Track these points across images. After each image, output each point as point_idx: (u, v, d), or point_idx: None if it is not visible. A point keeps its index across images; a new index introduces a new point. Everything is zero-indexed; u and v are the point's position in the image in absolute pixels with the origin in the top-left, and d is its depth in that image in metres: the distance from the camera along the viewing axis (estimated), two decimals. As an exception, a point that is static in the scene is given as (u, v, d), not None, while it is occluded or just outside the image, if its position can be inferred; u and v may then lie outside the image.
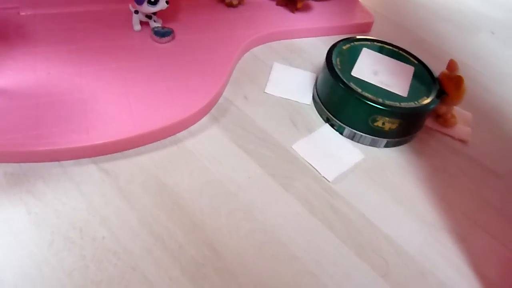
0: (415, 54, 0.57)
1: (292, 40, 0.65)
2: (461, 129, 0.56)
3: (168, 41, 0.55)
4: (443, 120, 0.55)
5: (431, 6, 0.83)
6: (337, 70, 0.51)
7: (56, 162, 0.42)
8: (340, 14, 0.69)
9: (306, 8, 0.68)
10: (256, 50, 0.61)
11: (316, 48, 0.64)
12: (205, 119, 0.50)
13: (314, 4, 0.69)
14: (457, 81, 0.52)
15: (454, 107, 0.55)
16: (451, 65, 0.53)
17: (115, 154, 0.44)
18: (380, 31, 0.71)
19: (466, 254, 0.42)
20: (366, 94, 0.48)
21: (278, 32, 0.63)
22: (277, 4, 0.67)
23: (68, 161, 0.42)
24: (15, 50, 0.50)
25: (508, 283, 0.41)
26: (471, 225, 0.45)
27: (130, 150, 0.45)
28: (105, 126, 0.44)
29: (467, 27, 0.79)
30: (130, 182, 0.42)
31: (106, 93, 0.47)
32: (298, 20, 0.66)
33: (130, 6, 0.54)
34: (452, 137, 0.55)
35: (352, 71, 0.51)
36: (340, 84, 0.49)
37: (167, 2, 0.53)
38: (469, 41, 0.75)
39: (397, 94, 0.50)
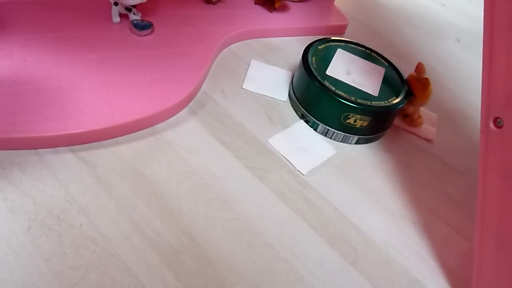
0: (386, 57, 0.60)
1: (269, 38, 0.67)
2: (427, 129, 0.59)
3: (147, 34, 0.56)
4: (411, 119, 0.58)
5: (403, 13, 0.87)
6: (312, 68, 0.53)
7: (33, 150, 0.42)
8: (316, 16, 0.71)
9: (283, 8, 0.70)
10: (234, 47, 0.63)
11: (293, 47, 0.66)
12: (183, 112, 0.51)
13: (291, 4, 0.71)
14: (424, 83, 0.55)
15: (421, 108, 0.59)
16: (419, 68, 0.56)
17: (93, 143, 0.44)
18: (353, 33, 0.74)
19: (429, 244, 0.45)
20: (340, 93, 0.51)
21: (256, 30, 0.65)
22: (256, 3, 0.68)
23: (45, 149, 0.42)
24: (-10, 37, 0.49)
25: (466, 271, 0.44)
26: (433, 217, 0.48)
27: (108, 140, 0.45)
28: (83, 115, 0.44)
29: (435, 34, 0.84)
30: (108, 171, 0.42)
31: (84, 82, 0.47)
32: (275, 19, 0.67)
33: (110, -2, 0.54)
34: (418, 136, 0.58)
35: (327, 70, 0.54)
36: (315, 82, 0.51)
37: None
38: (436, 47, 0.79)
39: (369, 94, 0.52)
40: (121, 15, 0.56)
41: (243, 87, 0.56)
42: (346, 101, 0.50)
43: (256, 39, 0.65)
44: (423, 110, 0.60)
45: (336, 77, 0.53)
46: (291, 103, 0.56)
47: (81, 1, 0.57)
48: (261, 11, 0.68)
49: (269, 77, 0.59)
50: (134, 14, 0.56)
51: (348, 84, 0.53)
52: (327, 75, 0.53)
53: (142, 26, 0.55)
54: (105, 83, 0.48)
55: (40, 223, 0.37)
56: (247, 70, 0.59)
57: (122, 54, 0.52)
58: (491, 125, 0.36)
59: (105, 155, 0.44)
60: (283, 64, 0.62)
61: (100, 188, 0.41)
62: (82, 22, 0.54)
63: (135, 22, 0.55)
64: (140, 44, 0.54)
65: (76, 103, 0.45)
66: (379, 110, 0.51)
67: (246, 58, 0.61)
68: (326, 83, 0.51)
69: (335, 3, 0.76)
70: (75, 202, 0.39)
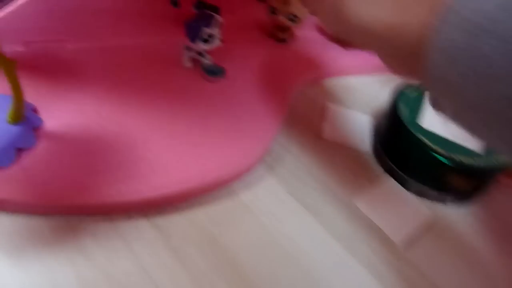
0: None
1: (345, 78, 0.61)
2: (534, 184, 0.51)
3: (219, 80, 0.52)
4: (514, 173, 0.51)
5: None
6: (403, 118, 0.47)
7: (105, 216, 0.39)
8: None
9: (359, 44, 0.64)
10: (307, 88, 0.58)
11: (371, 88, 0.61)
12: (260, 168, 0.46)
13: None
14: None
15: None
16: None
17: (167, 207, 0.41)
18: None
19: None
20: (438, 148, 0.44)
21: (331, 69, 0.60)
22: (331, 40, 0.63)
23: (117, 215, 0.39)
24: (62, 88, 0.47)
25: None
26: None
27: (183, 203, 0.41)
28: (157, 176, 0.41)
29: None
30: (184, 242, 0.38)
31: (157, 138, 0.44)
32: (350, 56, 0.62)
33: (181, 42, 0.51)
34: (524, 194, 0.51)
35: (420, 120, 0.47)
36: (408, 135, 0.46)
37: (221, 40, 0.50)
38: None
39: (470, 149, 0.45)
40: (192, 59, 0.53)
41: (323, 136, 0.51)
42: (445, 158, 0.44)
43: (330, 79, 0.60)
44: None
45: (432, 130, 0.47)
46: (376, 155, 0.50)
47: (151, 44, 0.55)
48: (334, 47, 0.63)
49: (349, 124, 0.54)
50: (205, 58, 0.52)
51: (446, 138, 0.46)
52: (421, 127, 0.47)
53: (215, 72, 0.52)
54: (179, 138, 0.44)
55: (115, 307, 0.33)
56: (324, 116, 0.54)
57: (194, 104, 0.49)
58: None
59: (180, 222, 0.40)
60: (363, 107, 0.57)
61: (176, 261, 0.37)
62: (153, 68, 0.52)
63: (206, 67, 0.52)
64: (212, 91, 0.51)
65: (149, 163, 0.41)
66: (484, 169, 0.44)
67: (321, 102, 0.56)
68: (421, 137, 0.45)
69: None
70: (151, 279, 0.35)
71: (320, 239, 0.41)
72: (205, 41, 0.49)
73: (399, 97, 0.50)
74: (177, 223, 0.40)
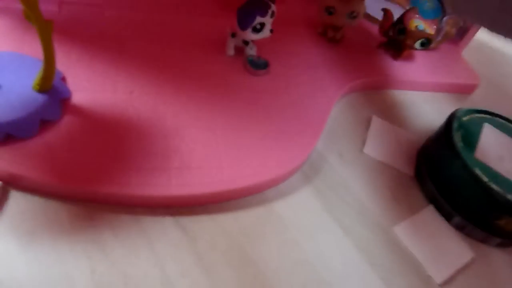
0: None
1: (391, 91, 0.57)
2: None
3: (263, 74, 0.48)
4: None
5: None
6: (458, 148, 0.43)
7: (128, 208, 0.35)
8: (444, 70, 0.61)
9: (409, 56, 0.60)
10: (352, 97, 0.54)
11: (418, 105, 0.57)
12: (296, 176, 0.43)
13: (416, 53, 0.62)
14: None
15: None
16: None
17: (195, 207, 0.37)
18: (483, 94, 0.63)
19: None
20: (494, 186, 0.40)
21: (379, 80, 0.56)
22: (378, 47, 0.59)
23: (142, 209, 0.36)
24: (95, 59, 0.43)
25: None
26: None
27: (213, 205, 0.38)
28: (189, 173, 0.37)
29: None
30: (211, 249, 0.35)
31: (193, 130, 0.40)
32: (400, 69, 0.58)
33: (228, 28, 0.47)
34: None
35: (476, 152, 0.44)
36: (461, 166, 0.42)
37: (271, 31, 0.46)
38: None
39: (527, 190, 0.42)
40: (236, 47, 0.49)
41: (364, 151, 0.47)
42: (500, 198, 0.40)
43: (375, 90, 0.56)
44: None
45: (487, 164, 0.43)
46: (420, 180, 0.47)
47: (195, 22, 0.51)
48: (384, 57, 0.59)
49: (393, 141, 0.50)
50: (250, 48, 0.48)
51: (503, 176, 0.42)
52: (477, 159, 0.43)
53: (259, 65, 0.48)
54: (216, 134, 0.41)
55: (131, 314, 0.30)
56: (367, 129, 0.50)
57: (235, 98, 0.45)
58: None
59: (208, 226, 0.36)
60: (408, 124, 0.53)
61: (201, 270, 0.33)
62: (194, 52, 0.48)
63: (250, 58, 0.48)
64: (254, 86, 0.47)
65: (182, 156, 0.38)
66: (540, 215, 0.40)
67: (365, 113, 0.52)
68: (477, 171, 0.41)
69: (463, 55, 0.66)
70: (171, 286, 0.32)
71: (355, 263, 0.38)
72: (256, 30, 0.45)
73: (454, 122, 0.46)
74: (204, 226, 0.36)
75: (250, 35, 0.45)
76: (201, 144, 0.39)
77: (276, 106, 0.46)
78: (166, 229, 0.35)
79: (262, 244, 0.36)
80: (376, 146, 0.48)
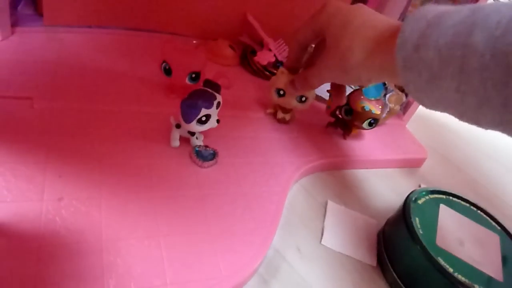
0: (490, 213, 0.49)
1: (343, 171, 0.56)
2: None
3: (211, 166, 0.45)
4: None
5: (477, 143, 0.78)
6: (419, 236, 0.41)
7: None
8: (393, 146, 0.62)
9: (358, 135, 0.61)
10: (304, 181, 0.52)
11: (370, 184, 0.56)
12: (252, 281, 0.38)
13: (365, 132, 0.62)
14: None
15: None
16: None
17: (135, 336, 0.31)
18: (432, 167, 0.64)
19: None
20: (459, 277, 0.38)
21: (331, 161, 0.55)
22: (327, 127, 0.59)
23: None
24: (20, 161, 0.38)
25: None
26: None
27: (156, 331, 0.32)
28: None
29: (514, 169, 0.74)
30: None
31: (131, 241, 0.35)
32: (349, 148, 0.58)
33: (171, 118, 0.45)
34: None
35: (436, 239, 0.42)
36: (424, 256, 0.40)
37: (217, 121, 0.44)
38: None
39: (492, 277, 0.40)
40: (181, 138, 0.46)
41: (322, 243, 0.45)
42: (466, 287, 0.38)
43: (328, 171, 0.55)
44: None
45: (449, 251, 0.41)
46: (384, 272, 0.44)
47: (132, 113, 0.48)
48: (334, 137, 0.59)
49: (352, 229, 0.47)
50: (197, 138, 0.46)
51: (465, 262, 0.41)
52: (438, 247, 0.41)
53: (205, 156, 0.45)
54: (158, 241, 0.36)
55: None
56: (324, 215, 0.48)
57: (180, 195, 0.41)
58: None
59: None
60: (364, 206, 0.51)
61: None
62: (133, 144, 0.44)
63: (197, 149, 0.45)
64: (201, 179, 0.43)
65: (118, 274, 0.32)
66: (507, 304, 0.39)
67: (320, 198, 0.50)
68: (441, 261, 0.39)
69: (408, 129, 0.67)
70: None
71: None
72: (202, 122, 0.42)
73: (410, 207, 0.45)
74: None
75: (195, 127, 0.43)
76: (140, 257, 0.34)
77: (227, 200, 0.42)
78: None
79: None
80: (334, 236, 0.46)
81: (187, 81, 0.50)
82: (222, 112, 0.44)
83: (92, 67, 0.53)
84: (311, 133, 0.57)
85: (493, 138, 0.81)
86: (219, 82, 0.44)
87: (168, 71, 0.50)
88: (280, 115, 0.56)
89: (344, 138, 0.59)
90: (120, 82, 0.52)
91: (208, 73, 0.48)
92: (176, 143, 0.46)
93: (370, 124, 0.55)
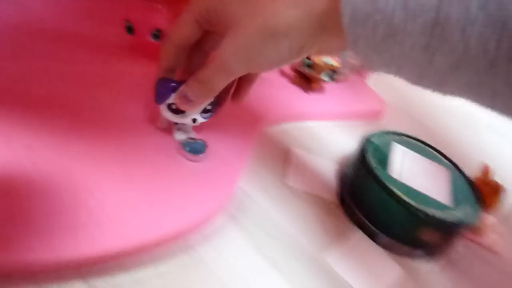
0: (443, 152, 0.53)
1: (306, 122, 0.59)
2: (493, 239, 0.51)
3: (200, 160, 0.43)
4: (476, 228, 0.50)
5: (435, 97, 0.83)
6: (374, 170, 0.45)
7: (29, 277, 0.31)
8: (353, 99, 0.65)
9: (320, 89, 0.63)
10: (270, 131, 0.55)
11: (333, 134, 0.59)
12: (221, 219, 0.41)
13: (327, 86, 0.65)
14: (495, 188, 0.48)
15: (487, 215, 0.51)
16: (486, 170, 0.49)
17: (110, 266, 0.33)
18: (391, 119, 0.68)
19: None
20: (410, 201, 0.42)
21: (293, 113, 0.57)
22: (292, 83, 0.62)
23: (47, 275, 0.31)
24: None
25: None
26: None
27: (130, 260, 0.34)
28: (98, 228, 0.33)
29: (470, 121, 0.79)
30: (131, 311, 0.31)
31: (102, 183, 0.37)
32: (312, 101, 0.61)
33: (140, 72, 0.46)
34: (486, 248, 0.50)
35: (389, 171, 0.45)
36: (379, 187, 0.43)
37: (194, 121, 0.40)
38: (475, 137, 0.74)
39: (440, 202, 0.44)
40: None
41: (287, 183, 0.47)
42: (418, 212, 0.41)
43: (292, 123, 0.58)
44: (488, 217, 0.52)
45: (402, 181, 0.45)
46: (344, 206, 0.47)
47: (106, 74, 0.49)
48: (296, 91, 0.61)
49: (315, 171, 0.50)
50: (179, 130, 0.43)
51: (416, 190, 0.44)
52: (391, 177, 0.45)
53: (198, 150, 0.42)
54: (128, 184, 0.38)
55: None
56: (288, 161, 0.50)
57: (151, 141, 0.43)
58: None
59: (126, 284, 0.33)
60: (326, 153, 0.54)
61: (119, 338, 0.29)
62: (104, 100, 0.45)
63: (184, 142, 0.42)
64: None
65: (90, 211, 0.34)
66: (454, 223, 0.42)
67: (284, 145, 0.53)
68: (394, 189, 0.43)
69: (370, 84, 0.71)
70: None
71: (290, 302, 0.36)
72: (173, 111, 0.39)
73: (366, 145, 0.48)
74: (121, 284, 0.32)
75: (165, 113, 0.40)
76: (112, 196, 0.36)
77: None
78: (77, 296, 0.31)
79: (189, 295, 0.33)
80: (298, 177, 0.49)
81: (150, 38, 0.51)
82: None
83: (54, 30, 0.53)
84: (275, 88, 0.59)
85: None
86: None
87: (130, 29, 0.51)
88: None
89: (306, 91, 0.61)
90: (83, 44, 0.53)
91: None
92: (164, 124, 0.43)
93: (330, 77, 0.57)
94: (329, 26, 0.30)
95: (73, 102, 0.43)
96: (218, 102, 0.41)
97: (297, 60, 0.32)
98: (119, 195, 0.36)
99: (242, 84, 0.42)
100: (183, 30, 0.36)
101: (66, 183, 0.35)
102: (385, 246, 0.44)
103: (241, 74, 0.36)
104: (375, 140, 0.50)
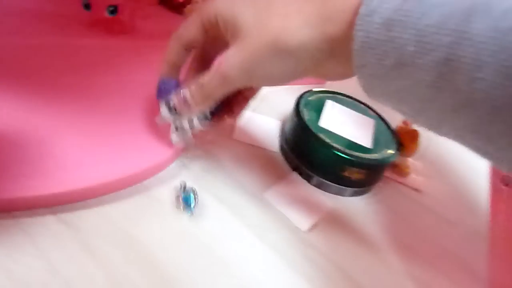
0: (372, 107, 0.60)
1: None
2: (415, 179, 0.59)
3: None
4: (399, 170, 0.58)
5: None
6: (306, 121, 0.52)
7: (7, 213, 0.37)
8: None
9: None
10: (220, 95, 0.61)
11: (279, 96, 0.66)
12: (174, 165, 0.47)
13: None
14: (413, 135, 0.56)
15: (408, 158, 0.59)
16: (407, 121, 0.57)
17: (76, 204, 0.40)
18: (333, 83, 0.75)
19: (435, 303, 0.44)
20: (336, 145, 0.50)
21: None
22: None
23: (22, 211, 0.37)
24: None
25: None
26: (434, 272, 0.47)
27: (93, 200, 0.41)
28: (65, 172, 0.40)
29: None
30: (95, 236, 0.38)
31: (65, 135, 0.43)
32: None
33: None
34: (408, 186, 0.58)
35: (320, 122, 0.53)
36: (310, 135, 0.50)
37: (190, 125, 0.43)
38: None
39: (363, 146, 0.52)
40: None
41: (234, 137, 0.54)
42: (342, 154, 0.49)
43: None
44: (409, 160, 0.60)
45: (330, 129, 0.52)
46: (283, 155, 0.55)
47: (64, 47, 0.54)
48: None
49: (260, 127, 0.57)
50: (176, 129, 0.44)
51: (342, 137, 0.52)
52: (321, 127, 0.52)
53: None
54: (88, 134, 0.44)
55: (17, 303, 0.31)
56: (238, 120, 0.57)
57: (106, 100, 0.48)
58: (500, 184, 0.36)
59: (90, 217, 0.39)
60: (272, 113, 0.61)
61: (86, 255, 0.36)
62: (63, 71, 0.51)
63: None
64: (128, 88, 0.51)
65: (57, 159, 0.40)
66: (374, 162, 0.50)
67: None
68: (321, 136, 0.50)
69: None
70: (58, 274, 0.34)
71: (232, 228, 0.43)
72: (171, 109, 0.40)
73: (301, 102, 0.55)
74: (86, 218, 0.39)
75: (163, 109, 0.40)
76: (74, 146, 0.42)
77: (149, 103, 0.50)
78: (48, 226, 0.37)
79: (145, 226, 0.40)
80: (245, 132, 0.55)
81: (106, 14, 0.56)
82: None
83: (17, 6, 0.57)
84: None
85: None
86: None
87: (87, 6, 0.56)
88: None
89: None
90: (45, 20, 0.57)
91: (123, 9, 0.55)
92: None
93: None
94: (337, 52, 0.30)
95: (38, 71, 0.49)
96: (219, 115, 0.44)
97: (296, 80, 0.35)
98: (81, 145, 0.42)
99: (239, 99, 0.43)
100: (189, 31, 0.37)
101: (34, 137, 0.41)
102: (317, 185, 0.52)
103: (240, 86, 0.36)
104: (310, 97, 0.57)
